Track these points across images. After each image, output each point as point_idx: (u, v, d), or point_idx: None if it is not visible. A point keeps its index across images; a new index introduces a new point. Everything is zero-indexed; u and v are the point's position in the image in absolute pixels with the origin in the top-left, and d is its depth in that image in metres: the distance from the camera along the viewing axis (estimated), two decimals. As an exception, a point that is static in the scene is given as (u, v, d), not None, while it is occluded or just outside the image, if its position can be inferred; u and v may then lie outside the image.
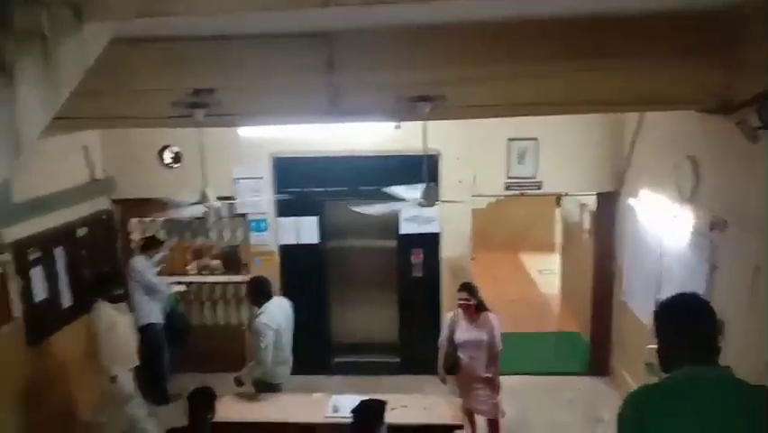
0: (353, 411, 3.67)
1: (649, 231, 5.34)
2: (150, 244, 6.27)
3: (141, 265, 6.07)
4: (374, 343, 6.86)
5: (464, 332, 4.84)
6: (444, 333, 4.96)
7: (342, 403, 4.45)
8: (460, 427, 4.39)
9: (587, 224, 7.51)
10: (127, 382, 5.28)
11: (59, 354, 5.54)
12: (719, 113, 3.77)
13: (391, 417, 4.11)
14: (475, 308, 4.84)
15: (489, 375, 4.86)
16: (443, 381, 4.99)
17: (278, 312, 4.99)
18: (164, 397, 6.15)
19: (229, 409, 4.54)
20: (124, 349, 5.28)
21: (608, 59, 3.44)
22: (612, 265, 6.40)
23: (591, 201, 7.12)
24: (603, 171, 6.24)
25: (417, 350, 6.58)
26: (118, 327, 5.21)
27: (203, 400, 3.74)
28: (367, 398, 3.83)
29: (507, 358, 7.22)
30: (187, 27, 3.34)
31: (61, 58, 1.97)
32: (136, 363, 5.41)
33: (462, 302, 4.84)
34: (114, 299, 5.24)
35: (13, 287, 4.99)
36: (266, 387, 4.98)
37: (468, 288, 4.91)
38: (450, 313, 5.05)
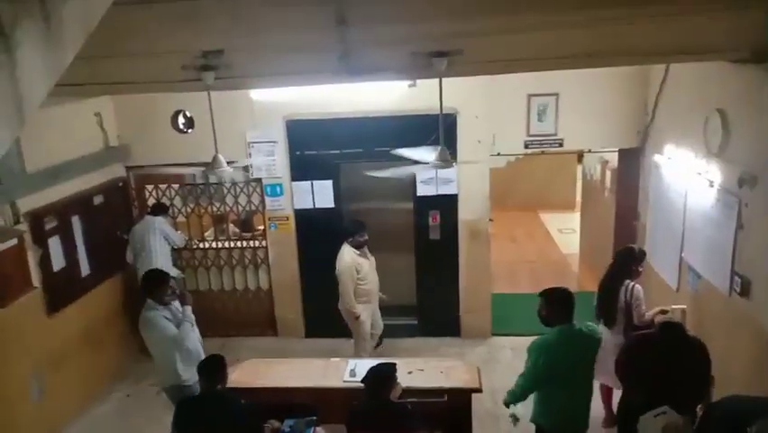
0: (363, 380, 3.64)
1: (673, 188, 5.18)
2: (160, 208, 6.41)
3: (161, 221, 6.26)
4: (391, 305, 6.82)
5: None
6: (644, 309, 4.63)
7: (359, 367, 4.42)
8: (478, 390, 4.35)
9: (609, 181, 7.36)
10: (367, 321, 5.66)
11: (79, 321, 5.61)
12: (752, 62, 3.57)
13: (408, 380, 4.11)
14: None
15: None
16: None
17: None
18: None
19: (247, 373, 4.56)
20: (368, 290, 5.56)
21: (636, 6, 3.16)
22: (634, 224, 6.26)
23: (614, 158, 6.96)
24: (626, 127, 6.06)
25: (435, 312, 6.56)
26: (363, 269, 5.48)
27: (212, 370, 3.71)
28: (379, 362, 3.80)
29: (526, 319, 7.19)
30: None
31: (64, 19, 1.86)
32: (376, 303, 5.80)
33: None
34: (359, 245, 5.52)
35: (32, 256, 5.02)
36: None
37: None
38: (639, 286, 4.68)
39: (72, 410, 5.45)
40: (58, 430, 5.23)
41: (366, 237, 5.61)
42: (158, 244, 6.16)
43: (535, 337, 3.85)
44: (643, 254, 4.80)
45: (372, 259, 5.77)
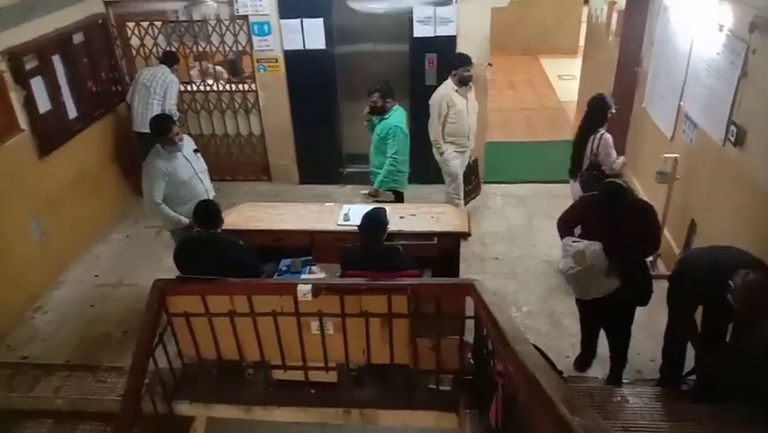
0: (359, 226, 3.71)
1: (680, 34, 4.95)
2: (173, 58, 6.13)
3: (174, 81, 6.04)
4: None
5: None
6: (614, 157, 4.64)
7: (353, 212, 4.51)
8: (467, 234, 4.47)
9: (614, 24, 7.00)
10: (453, 160, 5.49)
11: (72, 164, 5.61)
12: None
13: (400, 225, 4.22)
14: None
15: None
16: None
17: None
18: None
19: (242, 216, 4.65)
20: (457, 129, 5.36)
21: None
22: (636, 70, 6.06)
23: (622, -1, 6.57)
24: (639, -36, 5.63)
25: (428, 160, 6.55)
26: (456, 107, 5.25)
27: (206, 215, 3.75)
28: (372, 207, 3.86)
29: (518, 167, 7.26)
30: None
31: None
32: (467, 147, 5.58)
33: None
34: (463, 80, 5.24)
35: (15, 98, 4.89)
36: None
37: None
38: (608, 135, 4.64)
39: (74, 251, 5.65)
40: (61, 269, 5.46)
41: (470, 73, 5.29)
42: (159, 94, 5.95)
43: (387, 128, 4.88)
44: (612, 99, 4.73)
45: (474, 102, 5.49)
